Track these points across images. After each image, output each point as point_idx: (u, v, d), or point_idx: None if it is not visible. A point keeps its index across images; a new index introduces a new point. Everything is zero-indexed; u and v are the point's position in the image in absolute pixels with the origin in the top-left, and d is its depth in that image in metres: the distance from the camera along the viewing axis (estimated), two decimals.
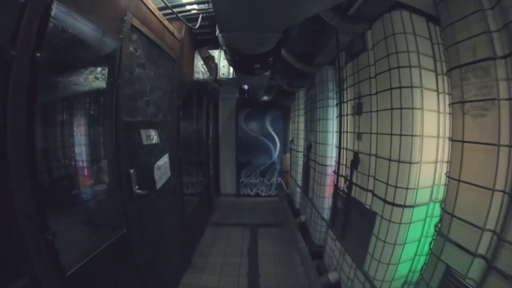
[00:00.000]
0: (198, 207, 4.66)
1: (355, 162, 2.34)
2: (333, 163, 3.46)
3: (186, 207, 3.88)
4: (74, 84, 2.06)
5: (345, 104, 2.64)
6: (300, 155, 5.11)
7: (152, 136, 2.64)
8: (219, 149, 7.13)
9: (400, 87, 1.91)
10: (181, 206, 3.58)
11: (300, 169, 5.18)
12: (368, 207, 2.27)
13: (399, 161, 1.88)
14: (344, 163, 2.64)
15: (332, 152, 3.48)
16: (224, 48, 2.72)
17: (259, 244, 4.50)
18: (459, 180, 1.46)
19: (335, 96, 3.50)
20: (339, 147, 2.64)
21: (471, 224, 1.41)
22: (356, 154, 2.37)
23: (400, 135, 1.87)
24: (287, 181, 6.86)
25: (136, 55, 2.41)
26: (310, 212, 4.23)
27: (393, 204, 1.96)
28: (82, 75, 2.08)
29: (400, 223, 2.01)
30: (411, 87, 1.91)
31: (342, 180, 2.70)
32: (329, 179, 3.55)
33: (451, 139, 1.53)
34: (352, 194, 2.46)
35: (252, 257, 4.08)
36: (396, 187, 1.92)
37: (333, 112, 3.49)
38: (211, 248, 4.36)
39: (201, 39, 4.09)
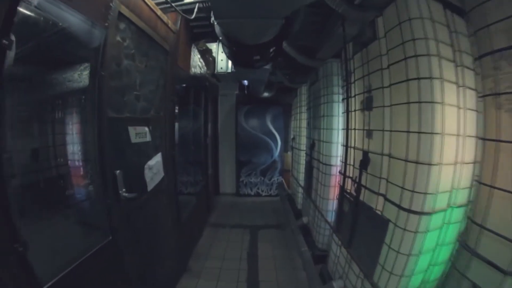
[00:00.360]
0: (195, 208, 4.46)
1: (364, 163, 2.13)
2: (339, 163, 3.24)
3: (182, 208, 3.67)
4: (51, 76, 1.84)
5: (353, 99, 2.42)
6: (302, 153, 4.89)
7: (143, 134, 2.43)
8: (218, 147, 6.92)
9: (418, 78, 1.68)
10: (176, 208, 3.37)
11: (302, 168, 4.97)
12: (379, 212, 2.05)
13: (417, 162, 1.66)
14: (352, 163, 2.42)
15: (337, 151, 3.26)
16: (221, 38, 2.49)
17: (259, 247, 4.30)
18: (492, 187, 1.24)
19: (341, 90, 3.28)
20: (346, 146, 2.41)
21: (506, 238, 1.19)
22: (365, 154, 2.15)
23: (419, 132, 1.65)
24: (289, 180, 6.65)
25: (124, 45, 2.19)
26: (313, 214, 4.02)
27: (409, 211, 1.74)
28: (61, 66, 1.87)
29: (416, 232, 1.80)
30: (431, 78, 1.68)
31: (349, 181, 2.48)
32: (334, 180, 3.34)
33: (482, 138, 1.30)
34: (361, 198, 2.24)
35: (251, 261, 3.88)
36: (413, 191, 1.70)
37: (338, 108, 3.26)
38: (209, 251, 4.15)
39: (198, 32, 3.87)
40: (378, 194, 2.02)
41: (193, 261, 3.83)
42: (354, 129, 2.39)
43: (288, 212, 5.42)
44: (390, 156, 1.89)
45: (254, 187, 7.01)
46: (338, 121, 3.23)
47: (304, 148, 4.78)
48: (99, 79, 1.89)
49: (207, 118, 5.10)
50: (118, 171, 2.04)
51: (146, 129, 2.51)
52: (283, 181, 6.91)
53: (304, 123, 4.82)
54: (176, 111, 3.40)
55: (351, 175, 2.46)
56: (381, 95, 1.98)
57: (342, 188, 2.58)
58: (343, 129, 2.68)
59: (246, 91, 6.17)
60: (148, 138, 2.54)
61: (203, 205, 5.27)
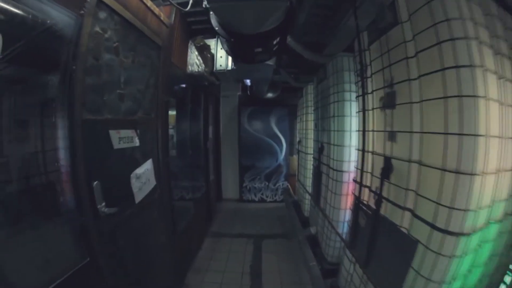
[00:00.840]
0: (194, 217, 4.16)
1: (386, 170, 1.80)
2: (352, 169, 2.93)
3: (179, 219, 3.38)
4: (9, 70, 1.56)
5: (370, 96, 2.10)
6: (310, 157, 4.57)
7: (128, 138, 2.14)
8: (220, 151, 6.63)
9: (457, 67, 1.36)
10: (171, 219, 3.07)
11: (309, 173, 4.64)
12: (405, 230, 1.72)
13: (457, 172, 1.33)
14: (370, 170, 2.09)
15: (350, 156, 2.94)
16: (217, 29, 2.20)
17: (263, 260, 3.97)
18: None
19: (353, 87, 2.96)
20: (362, 150, 2.09)
21: None
22: (388, 160, 1.83)
23: (460, 134, 1.32)
24: (294, 185, 6.32)
25: (105, 37, 1.91)
26: (321, 224, 3.68)
27: (446, 232, 1.41)
28: (23, 60, 1.58)
29: (452, 257, 1.47)
30: (471, 66, 1.36)
31: (366, 191, 2.16)
32: (346, 188, 3.01)
33: None
34: (382, 212, 1.91)
35: (255, 276, 3.56)
36: (451, 208, 1.37)
37: (350, 107, 2.94)
38: (209, 264, 3.84)
39: (196, 28, 3.59)
40: (404, 208, 1.70)
41: (192, 276, 3.53)
42: (372, 130, 2.07)
43: (294, 220, 5.09)
44: (420, 163, 1.56)
45: (258, 193, 6.70)
46: (351, 122, 2.91)
47: (312, 152, 4.46)
48: (71, 74, 1.61)
49: (207, 120, 4.81)
50: (96, 182, 1.75)
51: (133, 132, 2.21)
52: (289, 186, 6.59)
53: (311, 125, 4.50)
54: (173, 112, 3.13)
55: (368, 184, 2.13)
56: (407, 89, 1.65)
57: (358, 199, 2.26)
58: (358, 130, 2.36)
59: (249, 92, 5.88)
60: (136, 143, 2.25)
61: (204, 214, 4.97)
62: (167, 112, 2.91)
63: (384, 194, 1.87)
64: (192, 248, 3.97)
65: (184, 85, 3.71)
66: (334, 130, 3.09)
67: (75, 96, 1.62)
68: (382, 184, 1.86)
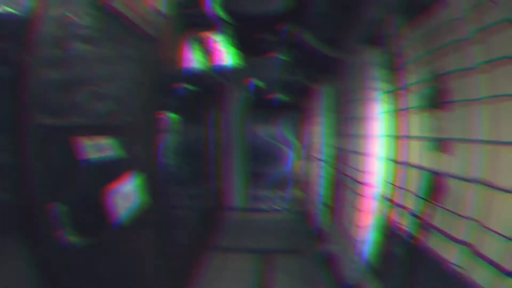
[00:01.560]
0: (195, 233, 3.80)
1: (435, 191, 1.39)
2: (381, 182, 2.51)
3: (177, 237, 3.02)
4: None
5: (405, 93, 1.69)
6: (325, 165, 4.15)
7: (106, 147, 1.78)
8: (226, 157, 6.26)
9: None
10: (168, 240, 2.72)
11: (324, 182, 4.22)
12: (459, 269, 1.30)
13: None
14: (409, 187, 1.68)
15: (377, 166, 2.52)
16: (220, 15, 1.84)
17: (274, 281, 3.56)
18: None
19: (380, 84, 2.55)
20: (397, 162, 1.68)
21: None
22: (437, 176, 1.41)
23: None
24: (307, 193, 5.90)
25: (76, 22, 1.57)
26: (341, 242, 3.26)
27: None
28: None
29: None
30: None
31: (401, 212, 1.74)
32: (371, 204, 2.59)
33: None
34: (425, 241, 1.50)
35: None
36: None
37: (378, 108, 2.52)
38: (211, 286, 3.46)
39: (198, 20, 3.25)
40: (462, 243, 1.28)
41: None
42: (412, 137, 1.65)
43: (307, 233, 4.70)
44: (491, 186, 1.14)
45: (267, 201, 6.30)
46: (379, 126, 2.49)
47: (327, 159, 4.04)
48: (23, 69, 1.27)
49: (212, 124, 4.46)
50: (58, 204, 1.40)
51: (114, 140, 1.86)
52: (300, 194, 6.17)
53: (327, 129, 4.08)
54: (173, 115, 2.79)
55: (405, 205, 1.72)
56: (465, 83, 1.24)
57: (392, 221, 1.84)
58: (390, 136, 1.95)
59: (258, 94, 5.51)
60: (117, 152, 1.90)
61: (206, 227, 4.61)
62: (162, 115, 2.56)
63: (431, 220, 1.45)
64: (192, 269, 3.60)
65: (185, 85, 3.37)
66: (356, 135, 2.68)
67: (28, 94, 1.27)
68: (427, 206, 1.44)
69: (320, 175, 4.44)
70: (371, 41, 2.81)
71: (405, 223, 1.70)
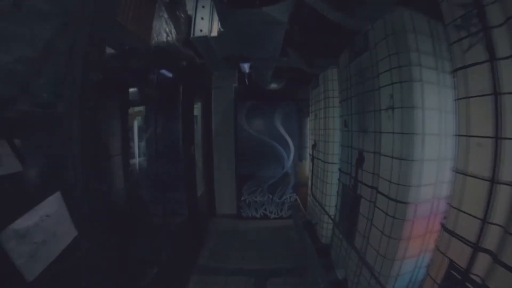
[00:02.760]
0: (167, 249, 3.03)
1: None
2: (423, 199, 1.79)
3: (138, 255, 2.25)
4: None
5: (478, 69, 0.95)
6: (332, 168, 3.42)
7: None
8: (212, 157, 5.48)
9: None
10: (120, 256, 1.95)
11: (330, 189, 3.50)
12: None
13: None
14: (475, 212, 0.94)
15: (422, 178, 1.79)
16: None
17: None
18: None
19: (427, 60, 1.82)
20: (461, 172, 0.94)
21: None
22: None
23: None
24: (306, 199, 5.18)
25: None
26: (356, 270, 2.54)
27: None
28: None
29: None
30: None
31: (464, 248, 1.01)
32: (410, 229, 1.88)
33: None
34: None
35: None
36: None
37: (423, 94, 1.79)
38: None
39: None
40: None
41: None
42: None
43: (307, 249, 3.98)
44: None
45: (260, 208, 5.57)
46: (422, 120, 1.76)
47: (336, 161, 3.31)
48: None
49: (191, 118, 3.66)
50: None
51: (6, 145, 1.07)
52: (298, 200, 5.44)
53: (335, 123, 3.35)
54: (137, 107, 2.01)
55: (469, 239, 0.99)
56: None
57: (444, 256, 1.11)
58: (452, 135, 1.22)
59: (247, 80, 4.72)
60: (13, 166, 1.11)
61: (188, 243, 3.84)
62: (102, 102, 1.77)
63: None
64: None
65: (150, 67, 2.56)
66: (389, 132, 1.94)
67: None
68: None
69: (323, 180, 3.71)
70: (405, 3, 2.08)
71: (479, 265, 0.97)
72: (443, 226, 1.53)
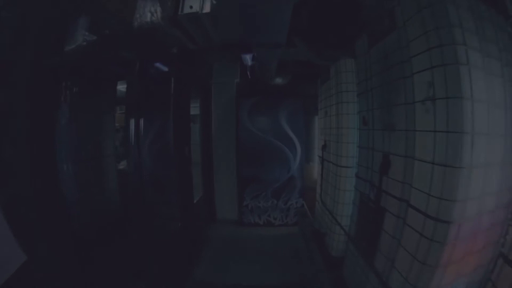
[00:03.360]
0: (161, 274, 2.66)
1: None
2: (473, 216, 1.39)
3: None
4: None
5: None
6: (345, 172, 3.01)
7: None
8: (211, 158, 5.10)
9: None
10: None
11: (343, 197, 3.10)
12: None
13: None
14: None
15: (470, 188, 1.39)
16: None
17: None
18: None
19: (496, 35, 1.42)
20: None
21: None
22: None
23: None
24: (313, 205, 4.78)
25: None
26: None
27: None
28: None
29: None
30: None
31: None
32: (449, 253, 1.47)
33: None
34: None
35: None
36: None
37: (469, 80, 1.38)
38: None
39: None
40: None
41: None
42: None
43: (315, 262, 3.60)
44: None
45: (264, 214, 5.18)
46: (472, 115, 1.35)
47: (350, 165, 2.90)
48: None
49: (183, 116, 3.28)
50: None
51: None
52: (306, 206, 5.05)
53: (349, 121, 2.95)
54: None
55: None
56: None
57: None
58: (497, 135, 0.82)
59: (249, 74, 4.33)
60: None
61: (181, 256, 3.47)
62: (55, 95, 1.39)
63: None
64: None
65: (133, 54, 2.19)
66: (427, 131, 1.53)
67: None
68: None
69: (335, 185, 3.30)
70: None
71: None
72: (503, 257, 1.13)
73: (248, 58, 3.42)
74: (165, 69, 2.68)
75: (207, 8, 1.87)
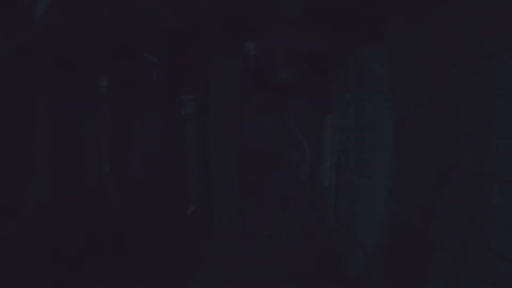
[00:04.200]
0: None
1: None
2: None
3: None
4: None
5: None
6: (374, 186, 2.51)
7: None
8: (210, 163, 4.71)
9: None
10: None
11: (366, 214, 2.60)
12: None
13: None
14: None
15: None
16: None
17: None
18: None
19: None
20: None
21: None
22: None
23: None
24: (325, 217, 4.34)
25: None
26: None
27: None
28: None
29: None
30: None
31: None
32: None
33: None
34: None
35: None
36: None
37: None
38: None
39: None
40: None
41: None
42: None
43: (330, 278, 3.16)
44: None
45: (270, 226, 4.85)
46: None
47: (379, 176, 2.39)
48: None
49: (180, 117, 2.85)
50: None
51: None
52: (316, 218, 4.62)
53: (375, 121, 2.44)
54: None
55: None
56: None
57: None
58: None
59: (252, 65, 3.89)
60: None
61: (170, 277, 3.03)
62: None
63: None
64: None
65: (106, 37, 1.71)
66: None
67: None
68: None
69: (355, 200, 2.81)
70: None
71: None
72: None
73: (251, 47, 2.96)
74: (160, 60, 2.20)
75: None
